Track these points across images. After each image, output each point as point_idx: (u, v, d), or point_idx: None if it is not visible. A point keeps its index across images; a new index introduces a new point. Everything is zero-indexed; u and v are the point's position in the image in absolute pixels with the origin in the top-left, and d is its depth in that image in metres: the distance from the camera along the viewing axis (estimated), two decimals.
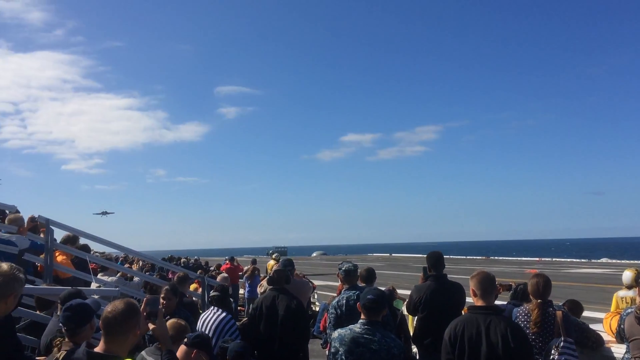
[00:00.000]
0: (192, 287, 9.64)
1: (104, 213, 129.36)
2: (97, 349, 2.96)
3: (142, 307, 3.35)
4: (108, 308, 3.03)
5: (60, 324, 3.75)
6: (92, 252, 11.44)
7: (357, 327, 4.50)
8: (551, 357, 4.80)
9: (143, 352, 4.29)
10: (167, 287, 6.35)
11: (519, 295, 6.06)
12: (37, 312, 5.38)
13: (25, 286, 5.97)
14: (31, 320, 5.27)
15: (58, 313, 4.62)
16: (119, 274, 8.95)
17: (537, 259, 55.44)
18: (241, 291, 18.18)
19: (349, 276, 6.46)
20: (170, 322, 4.72)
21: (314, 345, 10.45)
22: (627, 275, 7.93)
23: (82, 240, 9.46)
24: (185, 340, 4.24)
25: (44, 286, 6.23)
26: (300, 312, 6.48)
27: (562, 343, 4.79)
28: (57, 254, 7.86)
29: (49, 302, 5.46)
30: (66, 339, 3.68)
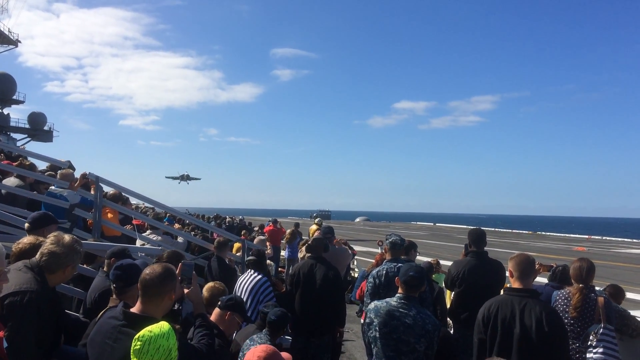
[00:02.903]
0: (236, 246, 9.82)
1: (185, 178, 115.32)
2: (134, 310, 3.06)
3: (177, 271, 3.43)
4: (146, 270, 3.12)
5: (110, 281, 3.90)
6: (140, 209, 11.83)
7: (393, 301, 4.53)
8: (589, 342, 4.69)
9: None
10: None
11: (558, 276, 5.89)
12: (84, 266, 5.62)
13: None
14: (78, 273, 5.51)
15: (104, 269, 4.81)
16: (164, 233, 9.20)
17: (587, 236, 53.84)
18: (282, 253, 18.47)
19: (394, 249, 6.43)
20: (208, 285, 4.84)
21: (350, 311, 10.59)
22: None
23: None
24: (219, 302, 4.34)
25: (92, 241, 6.49)
26: (337, 283, 6.54)
27: (601, 329, 4.66)
28: (106, 210, 8.15)
29: (94, 256, 5.70)
30: (114, 296, 3.83)
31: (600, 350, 4.58)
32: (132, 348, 2.65)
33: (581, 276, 5.01)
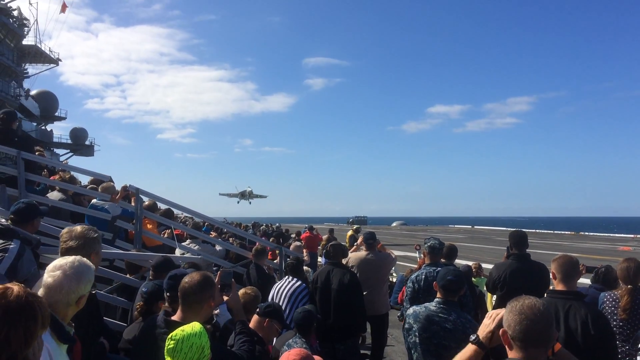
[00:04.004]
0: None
1: (247, 196, 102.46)
2: (175, 317, 3.14)
3: (216, 279, 3.50)
4: (185, 279, 3.20)
5: (164, 290, 3.95)
6: (179, 219, 12.04)
7: (432, 306, 4.47)
8: (639, 345, 4.52)
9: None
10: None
11: (600, 278, 5.69)
12: (127, 276, 5.75)
13: (117, 251, 6.45)
14: (122, 283, 5.65)
15: (151, 278, 4.94)
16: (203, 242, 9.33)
17: (633, 235, 51.99)
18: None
19: (433, 253, 6.38)
20: (240, 292, 4.90)
21: (391, 316, 10.50)
22: None
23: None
24: (258, 310, 4.38)
25: (134, 252, 6.65)
26: (353, 286, 6.53)
27: None
28: (146, 221, 8.33)
29: (138, 267, 5.84)
30: (166, 304, 3.90)
31: None
32: (166, 348, 2.71)
33: (629, 277, 4.85)
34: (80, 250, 3.40)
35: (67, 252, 3.37)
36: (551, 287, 4.44)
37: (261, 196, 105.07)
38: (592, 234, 56.23)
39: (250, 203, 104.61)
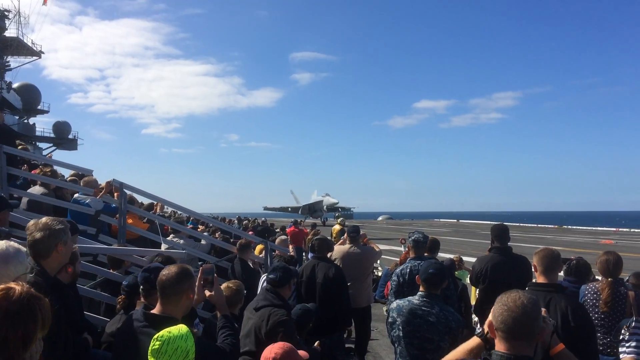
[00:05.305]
0: (259, 248, 9.78)
1: (322, 210, 70.80)
2: (154, 311, 3.15)
3: (199, 275, 3.51)
4: (163, 271, 3.24)
5: (139, 283, 3.97)
6: (164, 214, 11.96)
7: (415, 299, 4.52)
8: (621, 337, 4.60)
9: None
10: None
11: (572, 270, 5.68)
12: (111, 271, 5.70)
13: (100, 246, 6.38)
14: (105, 278, 5.60)
15: None
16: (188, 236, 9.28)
17: (614, 229, 52.80)
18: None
19: (417, 246, 6.42)
20: (222, 287, 4.89)
21: (376, 310, 10.55)
22: None
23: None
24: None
25: (116, 246, 6.60)
26: (338, 280, 6.57)
27: (633, 323, 4.57)
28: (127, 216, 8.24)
29: (121, 261, 5.78)
30: (142, 299, 3.92)
31: (634, 344, 4.49)
32: (150, 348, 2.70)
33: (609, 270, 4.93)
34: (46, 241, 3.42)
35: (33, 243, 3.42)
36: (534, 280, 4.49)
37: (346, 209, 72.77)
38: (575, 227, 57.00)
39: (324, 222, 66.25)
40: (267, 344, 3.36)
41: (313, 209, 72.98)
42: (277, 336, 4.13)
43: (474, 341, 2.88)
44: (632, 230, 50.95)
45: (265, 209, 79.98)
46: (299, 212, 67.17)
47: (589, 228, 54.64)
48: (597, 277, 5.44)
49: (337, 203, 71.58)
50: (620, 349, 4.59)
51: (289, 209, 78.47)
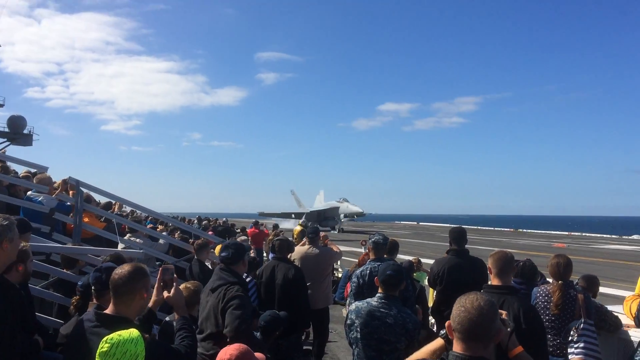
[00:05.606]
0: (218, 248, 9.67)
1: (338, 218, 59.06)
2: (107, 311, 3.07)
3: (158, 276, 3.45)
4: (116, 270, 3.17)
5: (91, 284, 3.92)
6: (123, 213, 11.70)
7: (374, 301, 4.55)
8: (570, 338, 4.75)
9: None
10: None
11: (518, 272, 5.76)
12: (65, 270, 5.54)
13: (53, 245, 6.19)
14: (58, 278, 5.44)
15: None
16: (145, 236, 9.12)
17: (567, 233, 54.61)
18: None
19: (377, 248, 6.46)
20: (181, 287, 4.82)
21: (335, 312, 10.59)
22: None
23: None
24: None
25: (71, 245, 6.42)
26: (297, 281, 6.55)
27: (582, 325, 4.73)
28: (83, 214, 8.04)
29: (75, 261, 5.63)
30: (93, 300, 3.86)
31: (582, 345, 4.65)
32: (99, 349, 2.64)
33: (559, 272, 5.07)
34: None
35: None
36: (489, 282, 4.60)
37: (358, 214, 61.90)
38: (530, 231, 58.65)
39: (339, 231, 55.59)
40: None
41: (323, 216, 61.62)
42: (230, 309, 4.23)
43: (438, 342, 2.93)
44: (583, 234, 52.86)
45: (261, 214, 67.41)
46: (304, 219, 53.63)
47: (543, 232, 56.29)
48: (547, 279, 5.59)
49: (363, 213, 61.66)
50: (569, 350, 4.75)
51: (292, 215, 68.61)
